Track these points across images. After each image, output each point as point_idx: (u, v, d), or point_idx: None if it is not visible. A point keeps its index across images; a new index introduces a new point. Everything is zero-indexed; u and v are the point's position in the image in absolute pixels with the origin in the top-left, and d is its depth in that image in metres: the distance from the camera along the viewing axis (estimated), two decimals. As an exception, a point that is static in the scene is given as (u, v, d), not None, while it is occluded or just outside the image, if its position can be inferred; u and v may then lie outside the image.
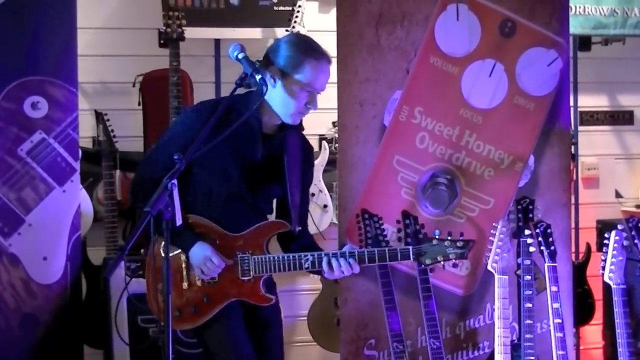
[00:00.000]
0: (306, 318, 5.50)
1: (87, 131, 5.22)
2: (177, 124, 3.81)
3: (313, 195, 5.38)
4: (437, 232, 3.72)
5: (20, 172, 4.56)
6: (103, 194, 5.09)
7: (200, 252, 3.62)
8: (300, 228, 3.83)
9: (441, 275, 4.46)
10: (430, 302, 4.17)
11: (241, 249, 3.68)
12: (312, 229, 4.37)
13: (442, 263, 3.74)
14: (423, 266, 3.95)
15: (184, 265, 3.67)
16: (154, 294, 3.70)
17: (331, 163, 5.46)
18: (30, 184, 4.58)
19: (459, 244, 3.69)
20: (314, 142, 5.48)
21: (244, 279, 3.66)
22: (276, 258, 3.67)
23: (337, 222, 4.87)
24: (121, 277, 4.84)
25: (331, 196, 5.45)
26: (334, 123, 5.39)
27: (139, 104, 5.32)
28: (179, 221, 3.14)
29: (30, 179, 4.57)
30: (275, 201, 3.89)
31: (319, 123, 5.50)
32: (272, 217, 3.88)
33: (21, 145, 4.56)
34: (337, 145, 4.93)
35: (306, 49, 3.62)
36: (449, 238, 3.71)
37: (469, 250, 3.70)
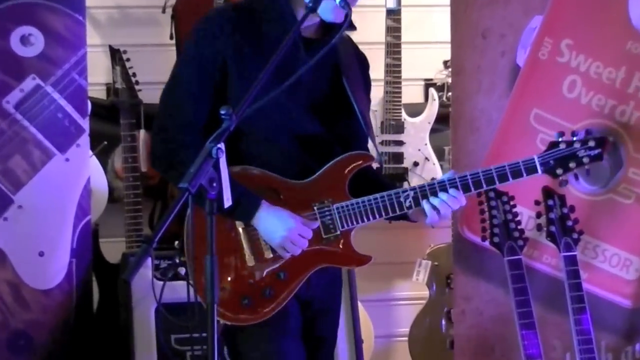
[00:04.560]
0: (407, 337, 5.55)
1: (98, 75, 5.28)
2: (191, 42, 3.72)
3: (417, 164, 5.46)
4: (557, 134, 3.75)
5: (6, 133, 4.59)
6: (122, 163, 5.11)
7: (277, 223, 3.56)
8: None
9: (599, 279, 4.42)
10: (584, 316, 4.16)
11: (316, 199, 3.64)
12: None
13: (575, 171, 3.75)
14: (559, 179, 3.91)
15: (243, 237, 3.61)
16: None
17: (442, 119, 5.39)
18: (20, 149, 4.60)
19: (591, 143, 3.71)
20: (418, 90, 5.62)
21: (327, 236, 3.64)
22: (366, 201, 3.63)
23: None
24: (148, 279, 4.70)
25: (441, 165, 5.46)
26: (445, 63, 5.44)
27: (171, 37, 5.34)
28: (228, 201, 3.03)
29: (19, 142, 4.60)
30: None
31: (423, 62, 5.62)
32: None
33: (7, 96, 4.58)
34: (449, 94, 5.03)
35: None
36: (575, 138, 3.72)
37: (604, 149, 3.71)
